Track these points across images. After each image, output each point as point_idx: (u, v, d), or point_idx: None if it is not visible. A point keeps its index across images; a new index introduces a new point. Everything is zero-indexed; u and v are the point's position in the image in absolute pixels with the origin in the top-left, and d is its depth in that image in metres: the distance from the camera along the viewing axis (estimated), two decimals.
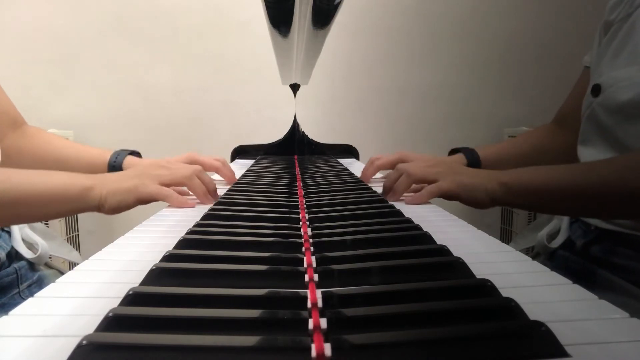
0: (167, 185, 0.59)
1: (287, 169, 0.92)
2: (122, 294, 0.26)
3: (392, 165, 0.79)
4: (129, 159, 0.78)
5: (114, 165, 0.77)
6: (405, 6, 1.69)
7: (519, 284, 0.30)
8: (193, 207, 0.58)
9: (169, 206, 0.58)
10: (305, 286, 0.30)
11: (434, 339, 0.21)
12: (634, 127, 0.57)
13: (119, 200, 0.56)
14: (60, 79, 1.62)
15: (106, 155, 0.78)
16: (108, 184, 0.57)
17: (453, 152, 0.83)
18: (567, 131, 0.78)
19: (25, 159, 0.78)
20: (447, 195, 0.58)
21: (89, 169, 0.76)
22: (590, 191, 0.52)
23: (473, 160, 0.79)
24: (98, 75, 1.63)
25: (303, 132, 1.18)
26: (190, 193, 0.64)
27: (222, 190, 0.66)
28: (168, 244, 0.38)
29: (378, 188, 0.67)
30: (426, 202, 0.59)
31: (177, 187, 0.63)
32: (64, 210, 0.56)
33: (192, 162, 0.78)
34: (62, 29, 1.60)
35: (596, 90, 0.62)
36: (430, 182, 0.59)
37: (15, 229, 0.68)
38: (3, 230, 0.68)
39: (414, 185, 0.63)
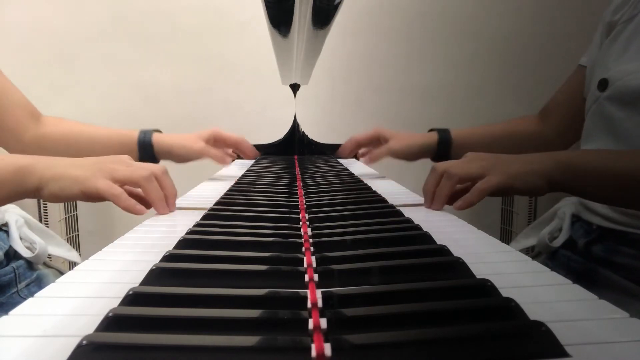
0: (122, 183, 0.52)
1: (287, 169, 0.92)
2: (122, 294, 0.26)
3: (369, 140, 0.85)
4: (157, 136, 0.82)
5: (144, 142, 0.80)
6: (405, 6, 1.69)
7: (519, 284, 0.30)
8: (142, 214, 0.51)
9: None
10: (305, 286, 0.30)
11: (434, 339, 0.21)
12: None
13: (62, 187, 0.49)
14: (60, 79, 1.62)
15: (134, 135, 0.81)
16: (53, 167, 0.50)
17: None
18: (547, 125, 0.81)
19: (56, 146, 0.80)
20: (501, 191, 0.51)
21: (121, 149, 0.78)
22: None
23: (445, 137, 0.82)
24: (98, 75, 1.63)
25: (303, 132, 1.18)
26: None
27: (227, 185, 0.66)
28: (168, 244, 0.38)
29: (378, 188, 0.67)
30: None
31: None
32: None
33: (216, 136, 0.85)
34: (62, 29, 1.60)
35: (603, 84, 0.62)
36: (475, 180, 0.52)
37: (14, 228, 0.68)
38: (1, 229, 0.68)
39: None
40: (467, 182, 0.54)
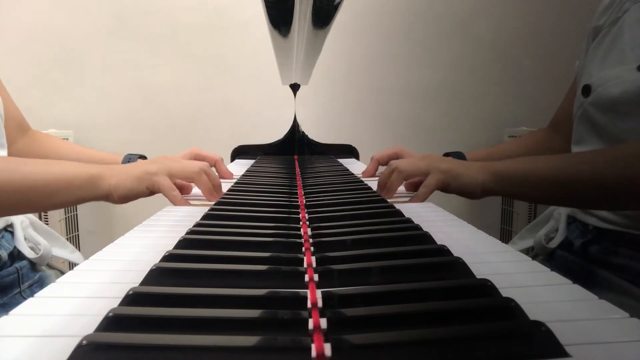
0: (177, 177, 0.60)
1: (287, 169, 0.92)
2: (122, 294, 0.26)
3: (389, 159, 0.83)
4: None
5: None
6: (405, 6, 1.69)
7: (519, 284, 0.30)
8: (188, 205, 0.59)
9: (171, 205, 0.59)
10: (305, 286, 0.30)
11: (434, 339, 0.21)
12: (625, 123, 0.58)
13: (130, 188, 0.56)
14: (60, 79, 1.62)
15: (118, 160, 0.82)
16: (117, 173, 0.57)
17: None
18: (561, 136, 0.79)
19: None
20: (440, 186, 0.60)
21: None
22: (583, 181, 0.53)
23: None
24: (98, 75, 1.63)
25: (303, 132, 1.18)
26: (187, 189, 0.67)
27: (227, 185, 0.66)
28: (168, 244, 0.38)
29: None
30: (426, 201, 0.60)
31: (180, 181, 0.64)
32: (70, 198, 0.56)
33: (196, 156, 0.83)
34: (62, 29, 1.60)
35: (587, 90, 0.63)
36: (421, 175, 0.61)
37: (19, 229, 0.68)
38: (6, 230, 0.68)
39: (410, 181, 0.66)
40: (413, 178, 0.64)
